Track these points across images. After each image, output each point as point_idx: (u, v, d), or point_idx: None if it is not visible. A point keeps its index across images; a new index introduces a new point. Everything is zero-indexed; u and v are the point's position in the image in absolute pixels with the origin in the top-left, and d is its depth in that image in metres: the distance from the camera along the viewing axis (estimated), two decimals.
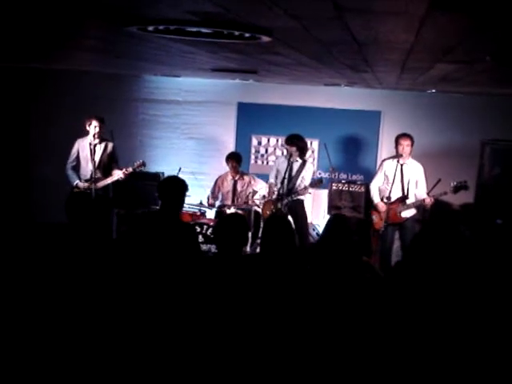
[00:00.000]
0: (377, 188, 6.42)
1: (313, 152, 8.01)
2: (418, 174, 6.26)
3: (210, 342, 3.03)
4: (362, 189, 6.89)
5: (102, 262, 3.64)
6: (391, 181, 6.18)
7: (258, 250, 6.19)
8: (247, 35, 2.52)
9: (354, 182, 7.17)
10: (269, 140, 8.20)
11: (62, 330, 3.12)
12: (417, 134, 6.39)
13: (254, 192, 7.18)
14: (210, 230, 6.50)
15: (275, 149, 8.19)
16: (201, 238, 6.47)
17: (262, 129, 8.17)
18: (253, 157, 8.27)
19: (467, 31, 2.19)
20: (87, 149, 6.47)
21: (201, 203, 7.18)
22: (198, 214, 7.07)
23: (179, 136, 8.44)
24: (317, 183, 6.46)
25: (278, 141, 8.13)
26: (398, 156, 6.20)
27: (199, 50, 3.53)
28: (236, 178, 7.24)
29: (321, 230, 6.51)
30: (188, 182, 4.36)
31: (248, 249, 6.34)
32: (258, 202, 7.00)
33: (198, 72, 6.40)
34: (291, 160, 6.57)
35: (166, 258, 3.78)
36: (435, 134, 7.47)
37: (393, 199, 6.19)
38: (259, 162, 8.28)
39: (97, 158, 6.47)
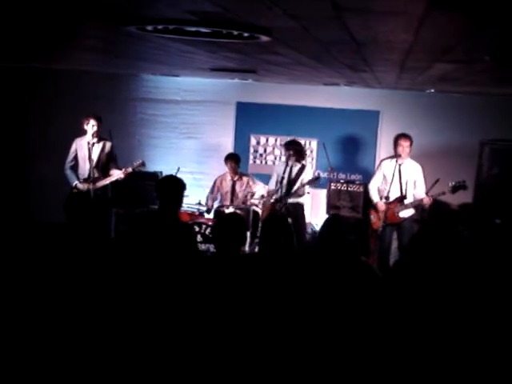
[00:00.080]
0: (376, 188, 6.42)
1: (311, 152, 8.01)
2: (417, 174, 6.26)
3: (209, 342, 3.03)
4: (361, 188, 6.89)
5: (101, 262, 3.64)
6: (389, 181, 6.18)
7: (256, 249, 6.19)
8: (246, 35, 2.52)
9: (353, 182, 7.17)
10: (267, 140, 8.20)
11: (61, 329, 3.12)
12: (416, 134, 6.39)
13: (253, 194, 7.18)
14: (208, 230, 6.50)
15: (274, 148, 8.18)
16: (199, 238, 6.48)
17: (260, 128, 8.17)
18: (251, 156, 8.27)
19: (466, 31, 2.19)
20: (85, 148, 6.47)
21: (199, 203, 7.18)
22: (197, 213, 7.07)
23: (178, 135, 8.43)
24: (314, 180, 6.45)
25: (276, 140, 8.13)
26: (396, 156, 6.20)
27: (198, 50, 3.53)
28: (235, 179, 7.24)
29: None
30: (186, 181, 4.35)
31: (246, 248, 6.34)
32: (256, 201, 7.00)
33: (196, 71, 6.40)
34: (289, 164, 6.57)
35: (164, 257, 3.78)
36: (434, 133, 7.47)
37: (391, 199, 6.20)
38: (258, 161, 8.27)
39: (95, 157, 6.46)
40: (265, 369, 2.94)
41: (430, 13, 1.79)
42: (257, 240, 6.13)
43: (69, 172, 6.55)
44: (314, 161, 8.04)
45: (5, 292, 3.31)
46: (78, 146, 6.56)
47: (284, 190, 6.51)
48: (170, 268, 3.63)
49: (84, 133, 6.49)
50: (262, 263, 3.48)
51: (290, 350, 2.99)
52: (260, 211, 6.97)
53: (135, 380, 3.01)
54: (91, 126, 6.40)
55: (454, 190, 6.00)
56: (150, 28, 2.49)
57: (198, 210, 7.14)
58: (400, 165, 6.19)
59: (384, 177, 6.35)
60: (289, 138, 6.90)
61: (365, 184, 6.85)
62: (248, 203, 7.03)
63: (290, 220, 5.48)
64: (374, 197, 6.41)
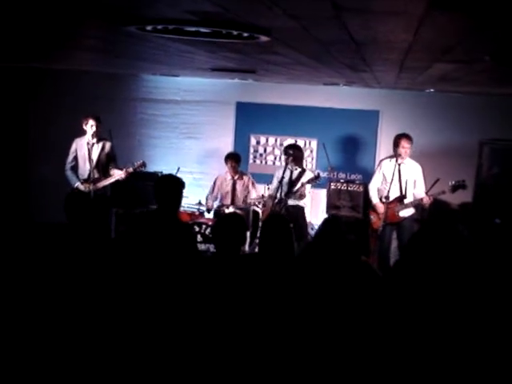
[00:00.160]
0: (375, 188, 6.43)
1: (311, 152, 8.01)
2: (416, 174, 6.27)
3: (208, 341, 3.03)
4: (361, 188, 6.89)
5: (101, 262, 3.64)
6: (389, 181, 6.19)
7: (256, 249, 6.19)
8: (246, 35, 2.52)
9: (353, 182, 7.17)
10: (267, 139, 8.20)
11: (61, 329, 3.12)
12: (415, 134, 6.38)
13: (250, 194, 7.19)
14: (208, 230, 6.50)
15: (274, 148, 8.19)
16: (199, 238, 6.47)
17: (260, 128, 8.17)
18: (251, 156, 8.27)
19: (466, 31, 2.19)
20: (85, 148, 6.47)
21: (199, 203, 7.18)
22: (197, 213, 7.08)
23: (178, 135, 8.43)
24: (314, 179, 6.45)
25: (276, 140, 8.13)
26: (396, 156, 6.20)
27: (198, 50, 3.53)
28: (235, 178, 7.23)
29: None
30: (186, 181, 4.34)
31: (246, 248, 6.34)
32: (255, 201, 7.00)
33: (196, 71, 6.40)
34: (289, 167, 6.55)
35: (164, 257, 3.78)
36: (434, 133, 7.47)
37: (391, 199, 6.20)
38: (258, 161, 8.28)
39: (94, 157, 6.46)
40: (265, 369, 2.94)
41: (429, 13, 1.79)
42: (257, 240, 6.13)
43: (69, 173, 6.54)
44: (314, 161, 8.04)
45: (5, 292, 3.31)
46: (78, 146, 6.56)
47: (284, 191, 6.50)
48: (170, 268, 3.63)
49: (84, 133, 6.49)
50: (261, 263, 3.48)
51: (291, 349, 3.00)
52: (260, 211, 6.97)
53: (135, 380, 3.01)
54: (90, 126, 6.40)
55: (454, 189, 6.00)
56: (149, 28, 2.49)
57: (198, 209, 7.14)
58: (400, 164, 6.19)
59: (384, 176, 6.35)
60: (289, 138, 6.90)
61: (365, 184, 6.85)
62: (248, 201, 7.03)
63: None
64: (374, 198, 6.41)
